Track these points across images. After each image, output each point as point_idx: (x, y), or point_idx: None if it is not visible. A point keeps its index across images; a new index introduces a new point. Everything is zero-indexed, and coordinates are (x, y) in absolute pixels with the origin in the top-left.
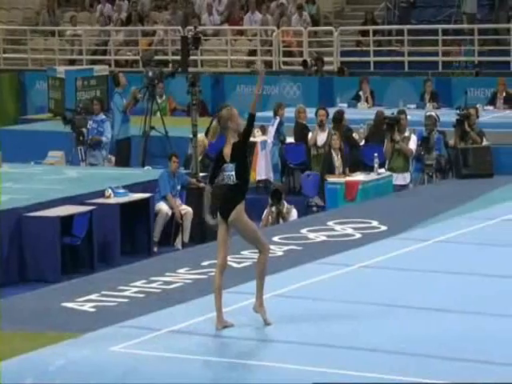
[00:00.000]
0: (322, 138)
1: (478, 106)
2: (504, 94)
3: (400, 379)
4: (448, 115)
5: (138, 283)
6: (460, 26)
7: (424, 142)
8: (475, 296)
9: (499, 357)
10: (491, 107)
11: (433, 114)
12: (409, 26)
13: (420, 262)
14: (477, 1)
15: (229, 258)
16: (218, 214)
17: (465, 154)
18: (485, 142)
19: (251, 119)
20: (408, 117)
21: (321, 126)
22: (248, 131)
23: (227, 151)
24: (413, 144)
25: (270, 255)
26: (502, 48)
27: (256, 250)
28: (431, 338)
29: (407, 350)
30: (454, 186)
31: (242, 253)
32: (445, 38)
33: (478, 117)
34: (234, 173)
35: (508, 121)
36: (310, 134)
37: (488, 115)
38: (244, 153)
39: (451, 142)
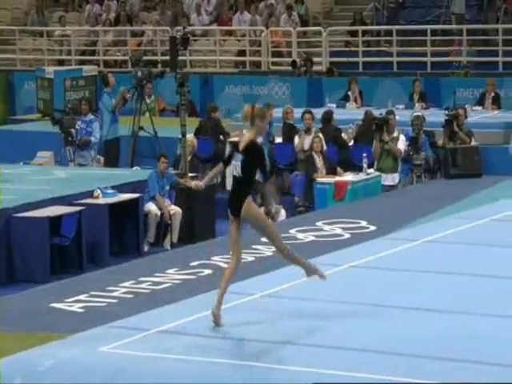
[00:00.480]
0: (308, 142)
1: (466, 106)
2: (493, 95)
3: (389, 379)
4: (437, 115)
5: (126, 284)
6: (449, 26)
7: (412, 142)
8: (465, 296)
9: (489, 356)
10: (480, 107)
11: (420, 114)
12: (397, 27)
13: (409, 262)
14: (465, 1)
15: (216, 258)
16: (229, 213)
17: (453, 154)
18: (473, 142)
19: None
20: (397, 117)
21: (307, 131)
22: (264, 165)
23: (243, 143)
24: (401, 144)
25: (259, 255)
26: (491, 48)
27: (246, 251)
28: (421, 338)
29: (397, 349)
30: (443, 186)
31: (231, 253)
32: (433, 38)
33: (466, 117)
34: (239, 163)
35: (496, 121)
36: (296, 139)
37: (477, 115)
38: (253, 154)
39: (440, 142)
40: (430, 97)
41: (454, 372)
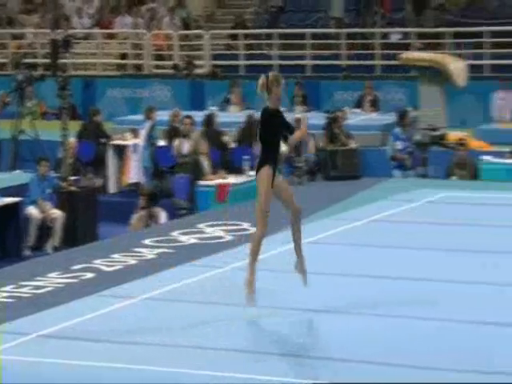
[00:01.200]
0: (187, 146)
1: (345, 108)
2: (370, 97)
3: (268, 379)
4: (317, 118)
5: (7, 288)
6: (328, 30)
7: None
8: (345, 296)
9: (373, 356)
10: (358, 110)
11: (301, 116)
12: (278, 30)
13: (291, 263)
14: (344, 5)
15: (99, 261)
16: None
17: (333, 155)
18: (352, 144)
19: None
20: None
21: (185, 135)
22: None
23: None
24: (283, 146)
25: (140, 258)
26: (369, 52)
27: (128, 254)
28: (301, 338)
29: (277, 350)
30: (323, 187)
31: (113, 256)
32: (313, 41)
33: (345, 119)
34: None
35: (374, 123)
36: (176, 142)
37: (355, 118)
38: (264, 121)
39: (321, 143)
40: (310, 100)
41: (335, 372)
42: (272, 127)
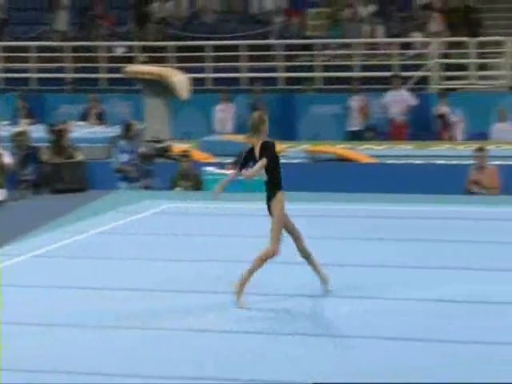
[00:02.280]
0: None
1: (70, 121)
2: (96, 110)
3: None
4: (42, 131)
5: None
6: (53, 43)
7: (19, 157)
8: (70, 310)
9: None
10: (84, 123)
11: (23, 129)
12: (1, 43)
13: (17, 277)
14: (68, 19)
15: None
16: (268, 213)
17: (59, 168)
18: (79, 157)
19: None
20: (2, 133)
21: None
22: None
23: (257, 151)
24: (8, 159)
25: None
26: (94, 65)
27: None
28: (43, 353)
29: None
30: (49, 200)
31: None
32: (38, 54)
33: (70, 132)
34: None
35: (100, 136)
36: None
37: (81, 130)
38: (269, 152)
39: (46, 157)
40: (34, 113)
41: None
42: (278, 157)
